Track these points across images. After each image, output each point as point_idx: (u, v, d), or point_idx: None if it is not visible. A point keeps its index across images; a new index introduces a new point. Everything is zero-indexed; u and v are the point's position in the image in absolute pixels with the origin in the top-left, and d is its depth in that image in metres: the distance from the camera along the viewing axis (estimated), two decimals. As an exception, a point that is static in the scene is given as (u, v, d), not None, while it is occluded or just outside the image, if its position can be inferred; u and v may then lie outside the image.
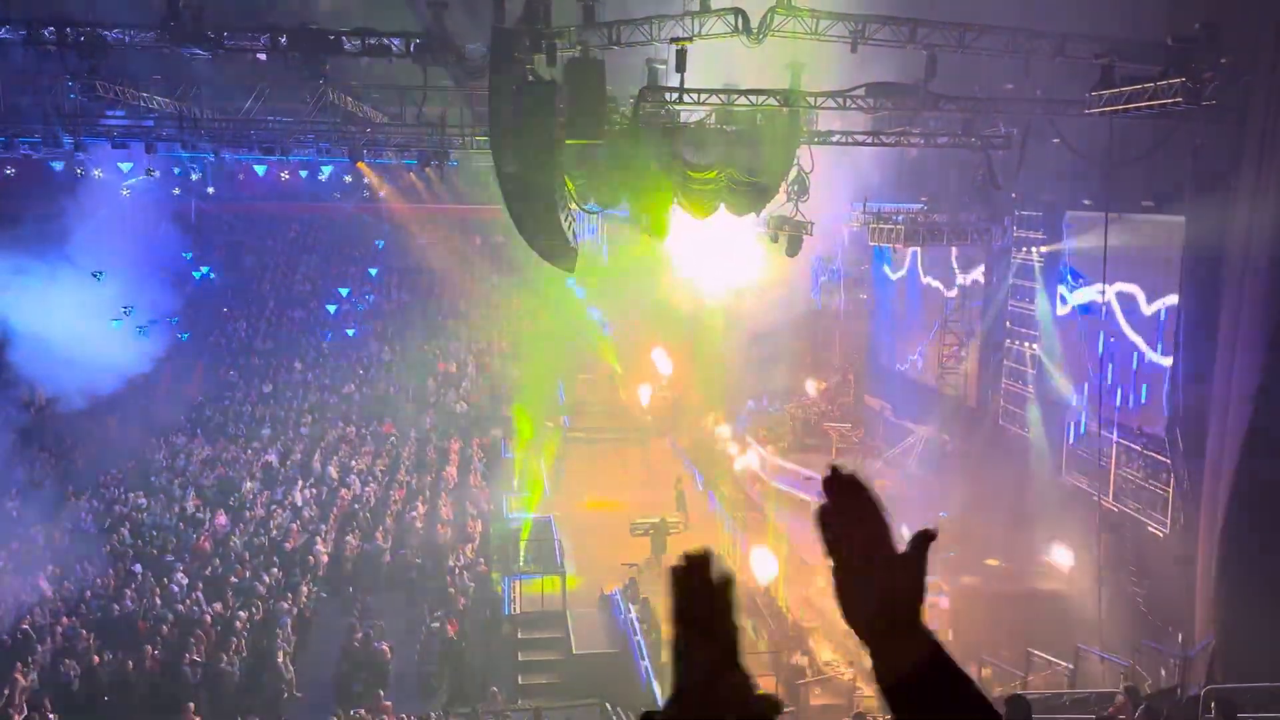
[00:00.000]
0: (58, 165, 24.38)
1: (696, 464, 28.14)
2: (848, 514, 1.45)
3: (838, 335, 29.21)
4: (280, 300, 36.46)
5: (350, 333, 34.76)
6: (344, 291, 36.08)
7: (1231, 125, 13.44)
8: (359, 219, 37.91)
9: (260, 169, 25.83)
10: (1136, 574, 16.94)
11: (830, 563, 1.45)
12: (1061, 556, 18.17)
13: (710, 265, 26.02)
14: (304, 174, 27.40)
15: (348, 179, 32.92)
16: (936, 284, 24.15)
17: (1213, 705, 7.99)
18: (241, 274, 37.03)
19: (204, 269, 36.17)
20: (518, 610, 20.17)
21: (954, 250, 22.37)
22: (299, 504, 24.61)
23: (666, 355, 32.20)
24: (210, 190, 29.77)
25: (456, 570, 21.16)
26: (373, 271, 37.99)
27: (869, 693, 16.52)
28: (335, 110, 19.07)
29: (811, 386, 28.56)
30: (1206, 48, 13.18)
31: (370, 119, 20.01)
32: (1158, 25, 13.98)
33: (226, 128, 20.73)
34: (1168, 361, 16.67)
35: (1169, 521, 16.31)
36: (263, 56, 16.08)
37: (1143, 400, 17.37)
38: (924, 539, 1.42)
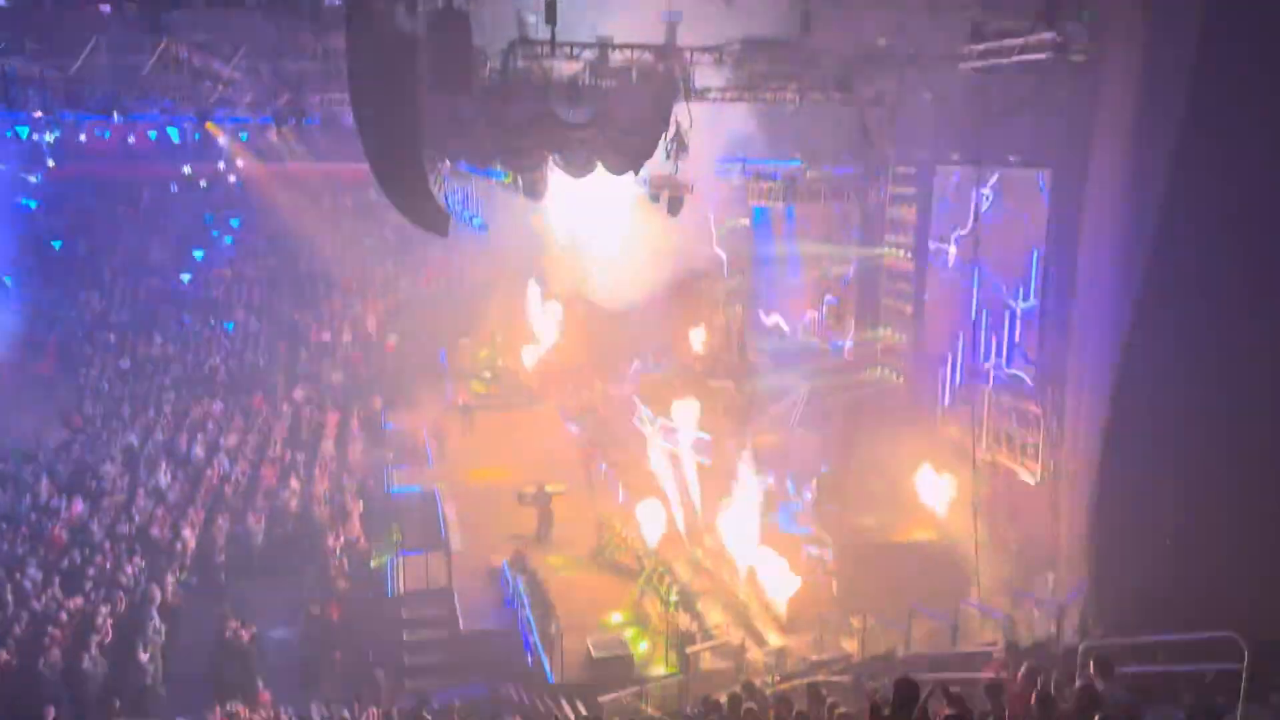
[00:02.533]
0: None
1: (583, 427, 27.87)
2: None
3: (722, 293, 29.14)
4: (135, 270, 34.31)
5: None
6: (198, 255, 34.14)
7: (1096, 81, 13.66)
8: (217, 181, 35.88)
9: (106, 133, 23.98)
10: (1010, 520, 17.49)
11: None
12: (939, 506, 18.62)
13: (591, 225, 25.56)
14: (153, 135, 25.55)
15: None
16: (814, 241, 24.25)
17: (1091, 664, 8.14)
18: (92, 244, 34.63)
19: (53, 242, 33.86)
20: (402, 590, 19.59)
21: (831, 207, 22.47)
22: (163, 487, 23.33)
23: (555, 312, 31.60)
24: (51, 164, 27.63)
25: (336, 551, 20.40)
26: (229, 240, 36.13)
27: (758, 654, 16.68)
28: (181, 67, 17.68)
29: (697, 342, 28.50)
30: (1075, 3, 13.32)
31: (220, 76, 18.65)
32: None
33: (61, 87, 19.02)
34: (1035, 313, 17.15)
35: (1040, 469, 16.85)
36: (106, 8, 14.83)
37: (1014, 352, 17.81)
38: None
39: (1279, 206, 10.36)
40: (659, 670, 16.42)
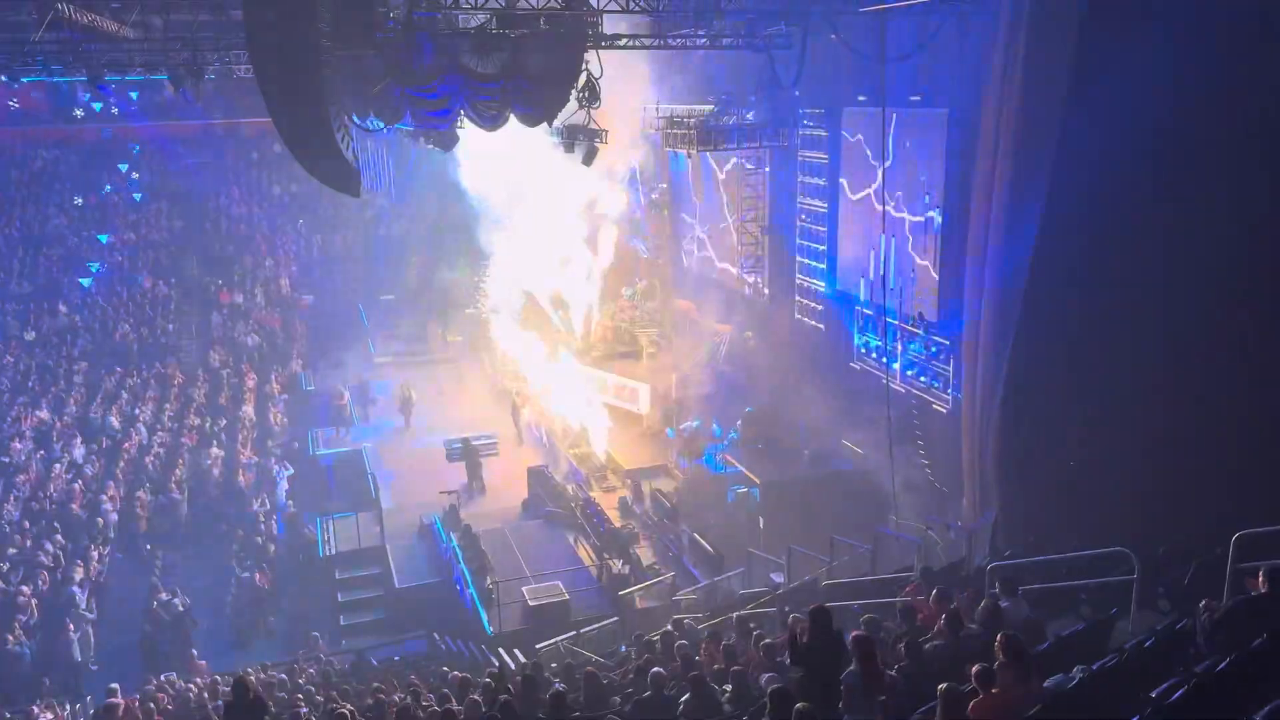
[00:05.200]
0: None
1: (509, 380, 27.86)
2: None
3: (646, 241, 29.14)
4: (33, 237, 32.85)
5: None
6: (103, 238, 32.86)
7: (990, 22, 13.94)
8: (117, 141, 34.43)
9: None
10: (924, 448, 18.13)
11: None
12: (857, 438, 19.18)
13: (507, 179, 25.32)
14: (36, 96, 24.22)
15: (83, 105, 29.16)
16: (732, 186, 24.40)
17: (997, 583, 8.64)
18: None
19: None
20: (334, 551, 19.55)
21: (746, 152, 22.57)
22: (79, 461, 22.75)
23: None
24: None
25: (262, 516, 20.22)
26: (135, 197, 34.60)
27: (688, 593, 17.16)
28: (68, 24, 16.82)
29: (625, 292, 28.55)
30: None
31: (111, 33, 17.80)
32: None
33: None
34: (938, 247, 17.61)
35: (950, 398, 17.47)
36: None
37: (919, 286, 18.30)
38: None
39: (1166, 145, 10.78)
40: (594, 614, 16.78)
